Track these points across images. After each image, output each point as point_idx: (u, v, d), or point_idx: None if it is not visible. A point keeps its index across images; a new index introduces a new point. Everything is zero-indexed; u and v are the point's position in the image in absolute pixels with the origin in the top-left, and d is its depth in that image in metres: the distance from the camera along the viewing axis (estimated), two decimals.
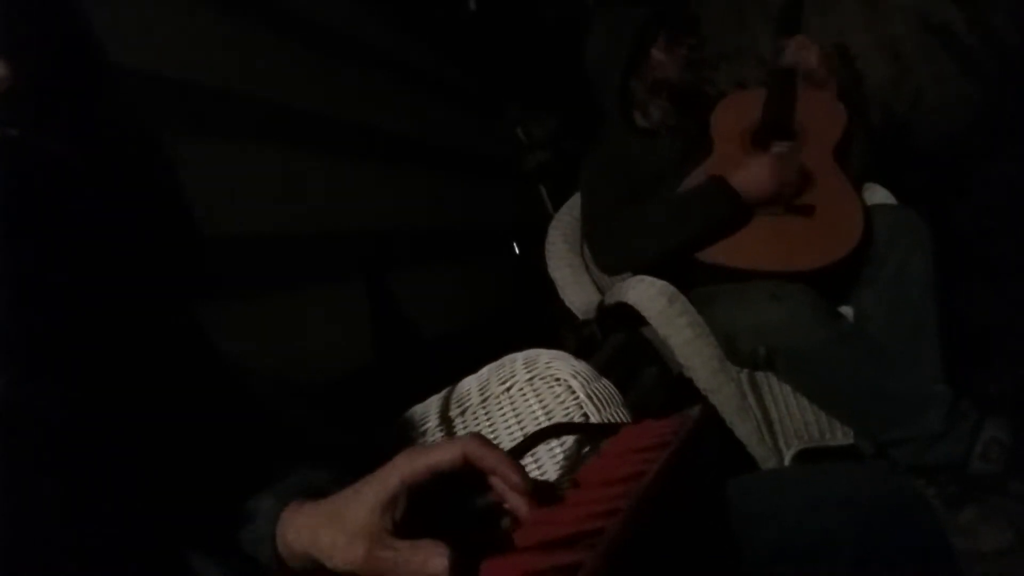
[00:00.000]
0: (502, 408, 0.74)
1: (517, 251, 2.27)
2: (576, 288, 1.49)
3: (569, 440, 0.67)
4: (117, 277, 0.44)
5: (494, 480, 0.40)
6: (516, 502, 0.39)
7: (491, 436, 0.75)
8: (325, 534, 0.38)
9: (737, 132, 1.37)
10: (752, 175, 1.23)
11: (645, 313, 1.16)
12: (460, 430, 0.77)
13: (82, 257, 0.41)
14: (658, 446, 0.45)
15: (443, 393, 0.81)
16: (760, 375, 1.18)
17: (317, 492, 0.43)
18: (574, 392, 0.69)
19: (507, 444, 0.73)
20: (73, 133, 0.43)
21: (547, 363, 0.72)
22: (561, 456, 0.69)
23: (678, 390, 1.19)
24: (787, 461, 1.14)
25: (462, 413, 0.78)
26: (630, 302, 1.18)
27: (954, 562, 0.50)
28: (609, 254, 1.34)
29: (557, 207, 1.71)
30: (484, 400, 0.76)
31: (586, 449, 0.65)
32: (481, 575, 0.34)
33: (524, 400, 0.72)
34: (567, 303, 1.49)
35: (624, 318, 1.24)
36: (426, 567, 0.35)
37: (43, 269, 0.39)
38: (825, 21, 2.35)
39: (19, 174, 0.38)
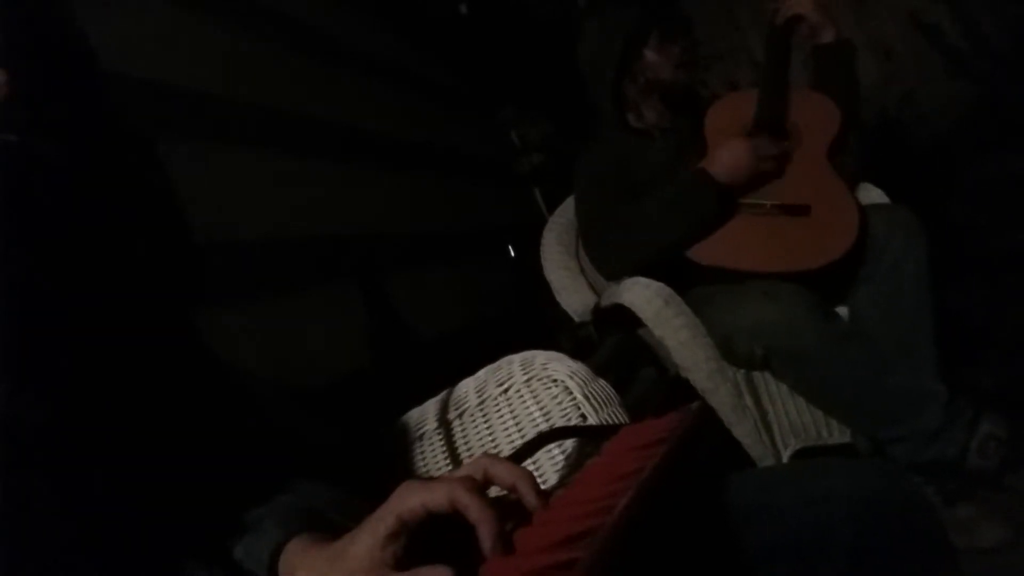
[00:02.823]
0: (499, 410, 0.74)
1: (512, 254, 2.27)
2: (572, 290, 1.49)
3: (568, 443, 0.67)
4: (115, 283, 0.43)
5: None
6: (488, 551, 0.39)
7: (489, 438, 0.75)
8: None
9: (731, 132, 1.38)
10: (727, 156, 1.24)
11: (641, 315, 1.16)
12: (458, 433, 0.77)
13: (80, 263, 0.41)
14: (657, 443, 0.45)
15: (441, 396, 0.81)
16: (757, 375, 1.18)
17: (317, 516, 0.44)
18: (571, 393, 0.69)
19: (505, 446, 0.73)
20: (71, 139, 0.43)
21: (544, 364, 0.72)
22: (561, 459, 0.69)
23: (675, 391, 1.19)
24: (785, 460, 1.14)
25: (460, 416, 0.77)
26: (626, 304, 1.18)
27: (952, 558, 0.50)
28: (606, 259, 1.34)
29: (552, 209, 1.71)
30: (482, 402, 0.75)
31: (587, 450, 0.65)
32: None
33: (521, 402, 0.72)
34: (563, 305, 1.49)
35: (620, 320, 1.24)
36: None
37: (41, 275, 0.38)
38: None
39: (18, 180, 0.38)
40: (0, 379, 0.35)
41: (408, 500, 0.39)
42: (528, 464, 0.70)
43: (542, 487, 0.43)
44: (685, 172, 1.28)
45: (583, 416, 0.67)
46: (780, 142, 1.28)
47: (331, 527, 0.43)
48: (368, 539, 0.39)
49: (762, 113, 1.36)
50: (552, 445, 0.68)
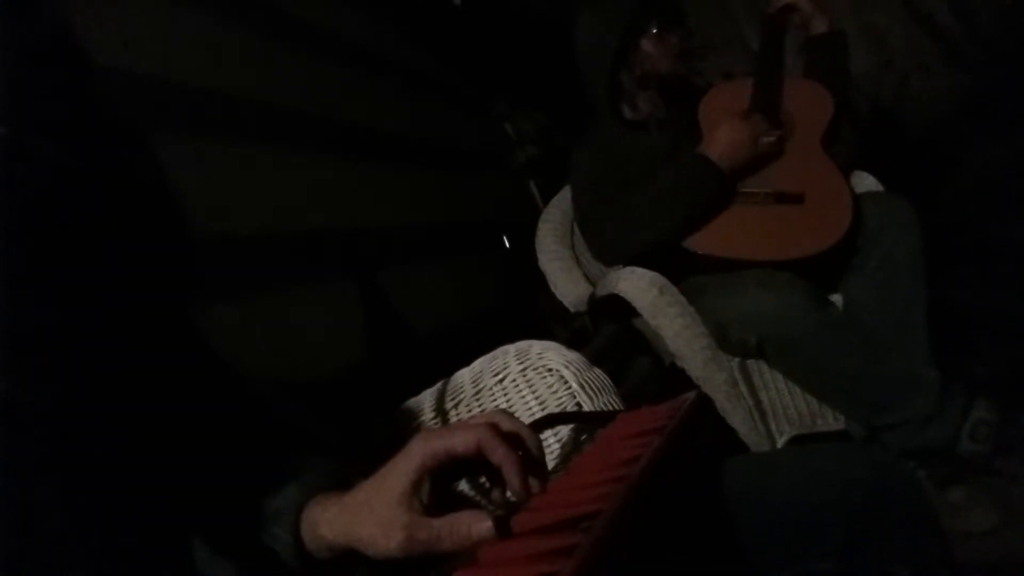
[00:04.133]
0: (495, 400, 0.74)
1: (507, 245, 2.27)
2: (567, 281, 1.49)
3: (564, 430, 0.68)
4: (111, 277, 0.43)
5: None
6: (514, 494, 0.41)
7: None
8: (361, 528, 0.40)
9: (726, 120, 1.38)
10: (725, 136, 1.24)
11: (636, 304, 1.17)
12: (454, 423, 0.77)
13: (76, 258, 0.41)
14: (654, 431, 0.45)
15: (437, 386, 0.82)
16: (751, 363, 1.19)
17: (337, 482, 0.44)
18: (566, 382, 0.69)
19: None
20: (64, 133, 0.43)
21: (539, 354, 0.72)
22: (556, 447, 0.70)
23: (670, 380, 1.20)
24: (779, 447, 1.15)
25: (456, 406, 0.78)
26: (621, 293, 1.18)
27: (943, 542, 0.50)
28: (605, 247, 1.35)
29: (546, 201, 1.71)
30: (477, 392, 0.76)
31: (582, 437, 0.66)
32: (480, 561, 0.35)
33: (517, 391, 0.72)
34: (558, 296, 1.49)
35: (615, 310, 1.25)
36: (472, 533, 0.37)
37: (38, 269, 0.38)
38: None
39: (10, 173, 0.38)
40: (2, 372, 0.35)
41: (431, 445, 0.40)
42: None
43: None
44: (684, 157, 1.27)
45: (579, 404, 0.68)
46: (775, 128, 1.28)
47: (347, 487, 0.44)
48: (396, 489, 0.39)
49: (756, 101, 1.36)
50: (547, 432, 0.68)
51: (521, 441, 0.43)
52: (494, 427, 0.41)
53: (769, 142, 1.26)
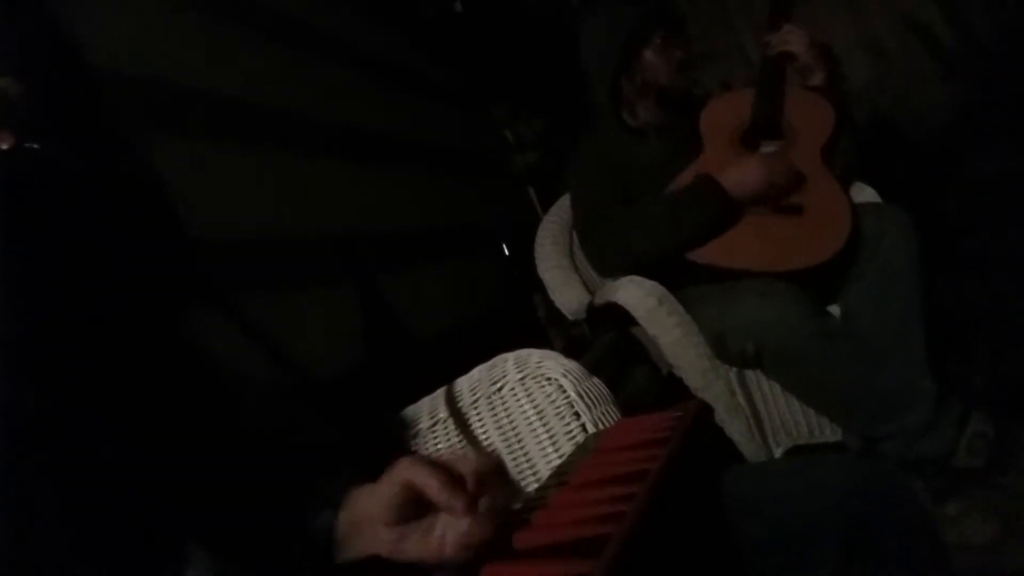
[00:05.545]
0: (493, 408, 0.74)
1: (507, 252, 2.27)
2: (565, 289, 1.49)
3: (562, 438, 0.68)
4: (112, 279, 0.43)
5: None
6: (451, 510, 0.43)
7: (483, 436, 0.75)
8: (354, 547, 0.46)
9: (726, 132, 1.38)
10: (742, 175, 1.24)
11: (634, 313, 1.17)
12: (452, 431, 0.77)
13: (76, 259, 0.41)
14: (654, 443, 0.45)
15: (435, 394, 0.81)
16: (749, 374, 1.19)
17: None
18: (564, 391, 0.69)
19: (499, 444, 0.73)
20: (65, 135, 0.43)
21: (538, 363, 0.72)
22: (553, 454, 0.70)
23: (668, 389, 1.20)
24: (777, 458, 1.15)
25: (454, 414, 0.78)
26: (619, 302, 1.18)
27: (942, 552, 0.50)
28: (604, 257, 1.34)
29: (546, 208, 1.71)
30: (475, 401, 0.76)
31: (580, 445, 0.65)
32: None
33: (515, 400, 0.72)
34: (557, 304, 1.49)
35: (614, 318, 1.25)
36: (445, 544, 0.41)
37: (39, 273, 0.38)
38: (808, 21, 2.37)
39: (11, 175, 0.38)
40: (2, 373, 0.35)
41: (413, 471, 0.43)
42: (520, 459, 0.70)
43: (537, 482, 0.43)
44: (697, 177, 1.27)
45: (576, 414, 0.68)
46: (790, 160, 1.28)
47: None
48: (384, 498, 0.44)
49: (758, 115, 1.36)
50: (545, 440, 0.68)
51: (448, 468, 0.44)
52: (427, 460, 0.44)
53: (782, 180, 1.25)
